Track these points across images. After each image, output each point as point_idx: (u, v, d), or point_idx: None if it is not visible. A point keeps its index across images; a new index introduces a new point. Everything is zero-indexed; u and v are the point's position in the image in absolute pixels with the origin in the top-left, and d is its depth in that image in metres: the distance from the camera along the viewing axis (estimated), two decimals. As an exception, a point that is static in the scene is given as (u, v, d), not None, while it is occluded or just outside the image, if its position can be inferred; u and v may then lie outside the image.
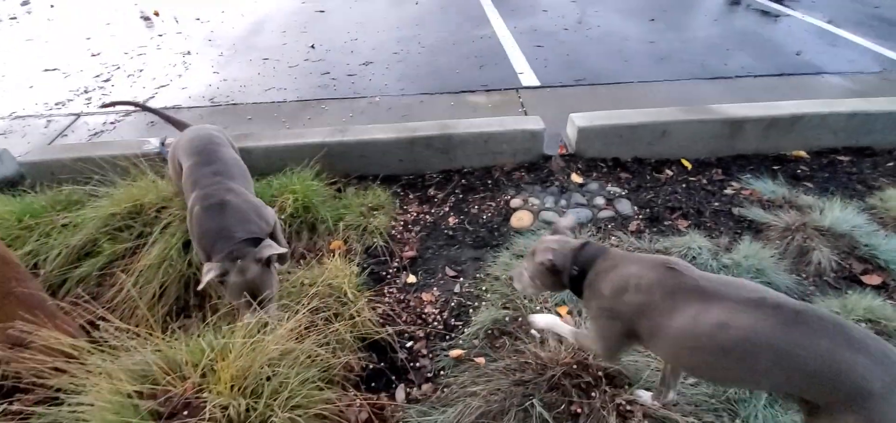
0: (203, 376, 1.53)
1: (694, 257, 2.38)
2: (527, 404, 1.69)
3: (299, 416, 1.49)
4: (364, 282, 2.36)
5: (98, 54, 5.63)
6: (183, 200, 2.24)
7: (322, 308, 1.94)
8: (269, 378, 1.55)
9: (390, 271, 2.51)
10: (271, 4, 7.18)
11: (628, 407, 1.67)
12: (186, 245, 2.29)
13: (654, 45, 5.28)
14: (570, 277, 1.53)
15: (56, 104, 4.47)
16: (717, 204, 2.87)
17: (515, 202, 2.92)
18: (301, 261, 2.46)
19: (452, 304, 2.30)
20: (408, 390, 1.92)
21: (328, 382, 1.74)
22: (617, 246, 2.49)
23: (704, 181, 3.08)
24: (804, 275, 2.35)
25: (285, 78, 4.81)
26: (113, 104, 3.04)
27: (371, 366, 1.99)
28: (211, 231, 1.93)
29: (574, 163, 3.23)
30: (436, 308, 2.29)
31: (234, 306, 1.91)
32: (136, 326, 1.70)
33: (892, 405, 1.04)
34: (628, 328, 1.39)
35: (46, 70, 5.26)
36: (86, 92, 4.69)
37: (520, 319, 2.11)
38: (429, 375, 1.98)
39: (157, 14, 6.99)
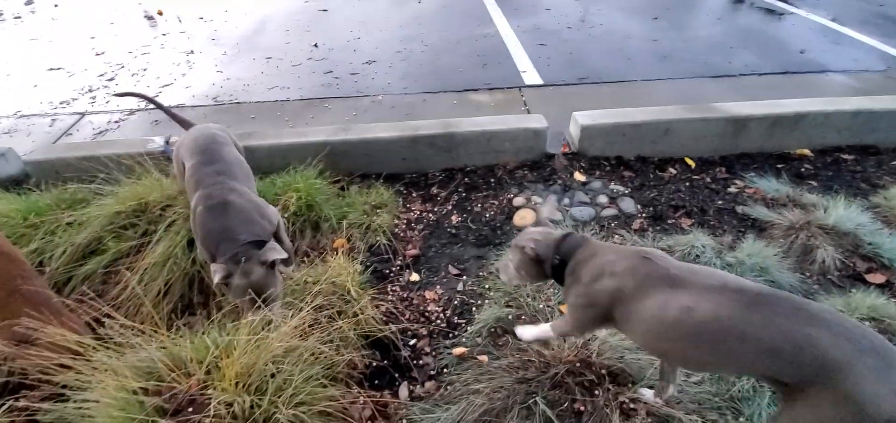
0: (208, 373, 1.54)
1: (697, 255, 2.38)
2: (530, 401, 1.69)
3: (303, 413, 1.49)
4: (367, 280, 2.37)
5: (102, 53, 5.65)
6: (187, 198, 2.25)
7: (326, 306, 1.95)
8: (273, 375, 1.56)
9: (393, 269, 2.52)
10: (274, 3, 7.19)
11: (632, 405, 1.67)
12: (191, 243, 2.30)
13: (657, 44, 5.27)
14: (552, 266, 1.59)
15: (60, 103, 4.49)
16: (720, 202, 2.86)
17: (518, 201, 2.92)
18: (305, 259, 2.47)
19: (455, 302, 2.30)
20: (411, 387, 1.93)
21: (332, 379, 1.75)
22: (621, 244, 2.49)
23: (708, 180, 3.08)
24: (808, 273, 2.35)
25: (288, 77, 4.81)
26: (125, 94, 3.07)
27: (374, 364, 2.00)
28: (214, 232, 1.94)
29: (577, 161, 3.23)
30: (439, 306, 2.29)
31: (238, 306, 1.91)
32: (141, 323, 1.70)
33: (858, 372, 1.06)
34: (604, 314, 1.45)
35: (51, 69, 5.29)
36: (90, 91, 4.71)
37: (523, 317, 2.12)
38: (432, 372, 1.99)
39: (160, 13, 7.01)
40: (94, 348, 1.60)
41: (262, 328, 1.66)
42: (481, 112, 3.97)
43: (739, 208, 2.79)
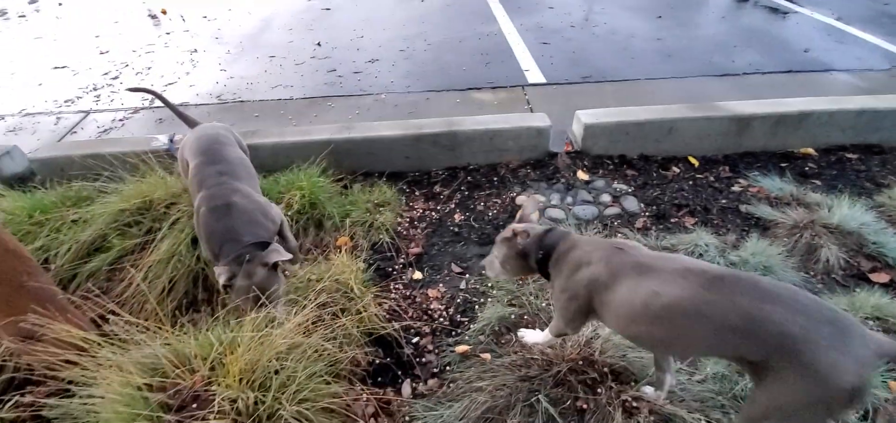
0: (212, 369, 1.55)
1: (701, 254, 2.38)
2: (532, 399, 1.69)
3: (307, 409, 1.50)
4: (370, 278, 2.37)
5: (107, 52, 5.67)
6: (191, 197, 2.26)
7: (329, 303, 1.95)
8: (277, 372, 1.56)
9: (396, 267, 2.52)
10: (278, 2, 7.20)
11: (634, 404, 1.67)
12: (195, 241, 2.30)
13: (660, 43, 5.26)
14: (536, 260, 1.64)
15: (65, 101, 4.51)
16: (724, 201, 2.86)
17: (521, 199, 2.92)
18: (308, 257, 2.48)
19: (458, 300, 2.31)
20: (414, 385, 1.93)
21: (335, 376, 1.75)
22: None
23: (711, 178, 3.07)
24: (812, 273, 2.34)
25: (292, 75, 4.82)
26: (137, 89, 3.10)
27: (377, 361, 2.00)
28: (217, 233, 1.95)
29: (580, 160, 3.22)
30: (442, 304, 2.30)
31: (240, 306, 1.92)
32: (146, 320, 1.72)
33: (815, 344, 1.10)
34: (585, 304, 1.50)
35: (55, 68, 5.31)
36: (94, 89, 4.73)
37: (526, 316, 2.12)
38: (435, 370, 1.99)
39: (164, 12, 7.03)
40: (99, 344, 1.61)
41: (266, 325, 1.67)
42: (484, 111, 3.97)
43: (743, 207, 2.79)
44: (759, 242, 2.43)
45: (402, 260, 2.56)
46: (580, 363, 1.79)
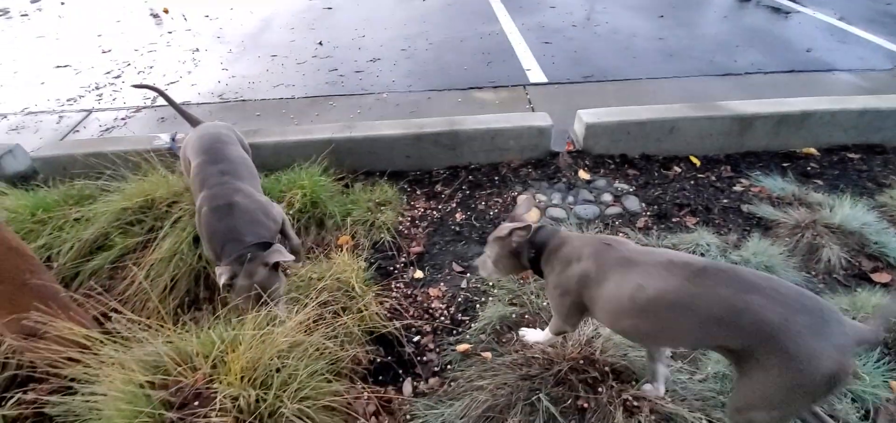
0: (214, 367, 1.55)
1: (702, 253, 2.38)
2: (533, 398, 1.69)
3: (308, 407, 1.50)
4: (371, 277, 2.38)
5: (109, 51, 5.68)
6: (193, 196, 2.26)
7: (330, 302, 1.96)
8: (278, 370, 1.57)
9: (397, 266, 2.52)
10: (279, 2, 7.21)
11: (635, 403, 1.67)
12: (197, 240, 2.31)
13: (662, 42, 5.25)
14: (528, 258, 1.67)
15: (68, 100, 4.52)
16: (725, 201, 2.85)
17: (522, 199, 2.91)
18: (310, 255, 2.48)
19: (459, 299, 2.31)
20: (415, 383, 1.94)
21: (336, 374, 1.76)
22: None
23: (713, 178, 3.07)
24: (814, 272, 2.34)
25: (293, 75, 4.83)
26: (141, 86, 3.12)
27: (378, 359, 2.01)
28: (219, 233, 1.95)
29: (581, 159, 3.22)
30: (443, 303, 2.30)
31: (240, 305, 1.92)
32: (148, 318, 1.72)
33: (793, 331, 1.13)
34: (577, 300, 1.52)
35: (58, 66, 5.32)
36: (97, 88, 4.74)
37: (527, 315, 2.12)
38: (436, 369, 1.99)
39: (166, 11, 7.04)
40: (101, 342, 1.62)
41: (267, 324, 1.68)
42: (486, 110, 3.97)
43: (745, 207, 2.78)
44: (760, 241, 2.43)
45: (403, 259, 2.56)
46: (581, 362, 1.79)
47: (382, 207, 2.85)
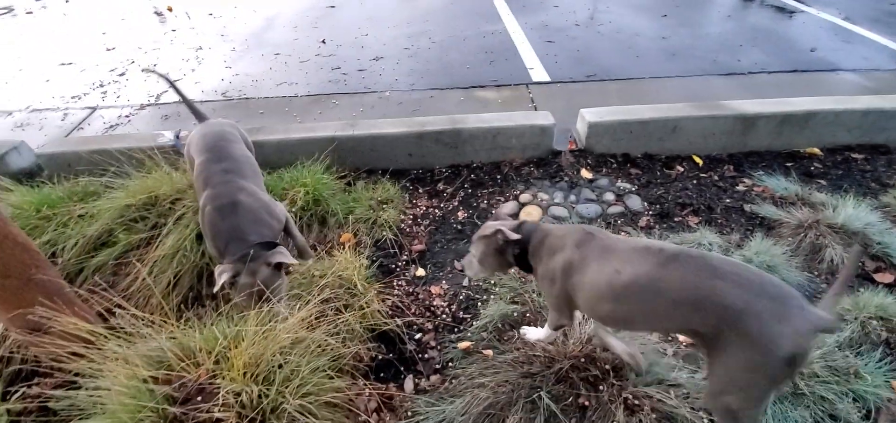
0: (216, 362, 1.56)
1: (704, 253, 2.37)
2: (534, 396, 1.70)
3: (310, 403, 1.51)
4: (373, 274, 2.38)
5: (113, 49, 5.71)
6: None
7: (332, 299, 1.96)
8: (280, 366, 1.57)
9: (399, 263, 2.53)
10: (282, 0, 7.22)
11: (636, 401, 1.67)
12: (200, 236, 2.32)
13: (665, 41, 5.24)
14: (513, 255, 1.69)
15: (72, 97, 4.54)
16: (728, 201, 2.85)
17: (524, 197, 2.92)
18: (312, 253, 2.49)
19: (461, 297, 2.31)
20: (416, 380, 1.94)
21: (338, 371, 1.76)
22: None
23: (716, 178, 3.06)
24: (816, 272, 2.34)
25: (296, 73, 4.84)
26: (151, 70, 3.13)
27: (380, 357, 2.01)
28: (223, 232, 1.96)
29: (584, 158, 3.22)
30: (444, 301, 2.30)
31: (242, 304, 1.92)
32: (151, 314, 1.73)
33: (754, 315, 1.17)
34: (564, 289, 1.55)
35: (62, 64, 5.35)
36: (101, 86, 4.76)
37: (528, 313, 2.12)
38: (437, 366, 2.00)
39: (170, 9, 7.07)
40: (105, 337, 1.63)
41: (270, 320, 1.68)
42: (488, 109, 3.97)
43: (747, 207, 2.78)
44: (763, 241, 2.42)
45: (405, 257, 2.57)
46: (582, 359, 1.80)
47: (384, 206, 2.86)
